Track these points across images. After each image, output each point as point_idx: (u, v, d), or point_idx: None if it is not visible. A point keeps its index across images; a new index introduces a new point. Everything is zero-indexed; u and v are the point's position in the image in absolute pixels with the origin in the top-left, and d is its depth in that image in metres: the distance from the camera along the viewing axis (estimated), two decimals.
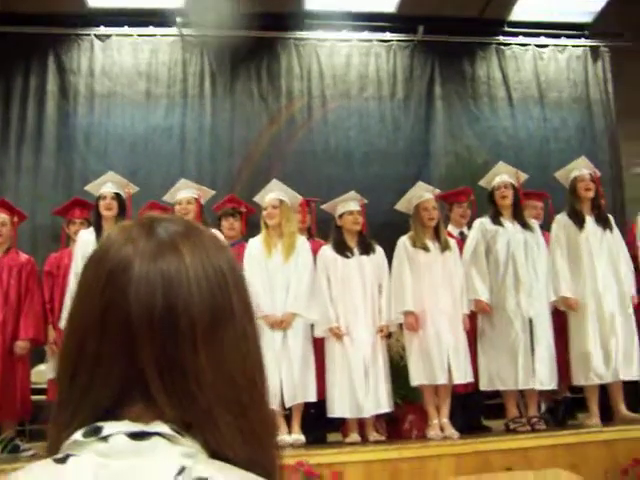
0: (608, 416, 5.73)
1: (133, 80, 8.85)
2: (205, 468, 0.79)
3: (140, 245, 0.86)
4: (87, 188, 6.04)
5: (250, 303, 0.91)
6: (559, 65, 9.79)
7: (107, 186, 5.81)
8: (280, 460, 0.91)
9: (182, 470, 0.78)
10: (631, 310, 5.79)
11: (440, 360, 5.45)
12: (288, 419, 5.51)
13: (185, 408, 0.83)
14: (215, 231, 5.73)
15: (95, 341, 0.84)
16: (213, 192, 6.22)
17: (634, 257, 6.05)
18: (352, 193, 5.85)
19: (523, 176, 6.04)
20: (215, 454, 0.83)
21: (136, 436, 0.81)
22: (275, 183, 5.89)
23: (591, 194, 5.96)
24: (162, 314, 0.83)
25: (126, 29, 8.91)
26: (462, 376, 5.50)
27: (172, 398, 0.83)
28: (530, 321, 5.62)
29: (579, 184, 5.98)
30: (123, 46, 8.89)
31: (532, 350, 5.58)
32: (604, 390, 5.80)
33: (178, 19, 8.86)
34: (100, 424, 0.82)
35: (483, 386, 5.69)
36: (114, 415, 0.83)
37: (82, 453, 0.81)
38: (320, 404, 5.56)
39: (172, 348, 0.83)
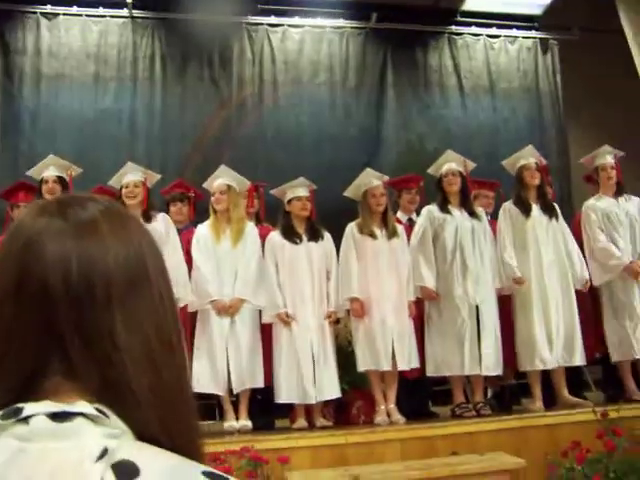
0: (551, 401, 5.84)
1: (82, 62, 8.66)
2: (129, 450, 0.77)
3: (56, 220, 0.86)
4: (29, 173, 5.92)
5: (167, 274, 0.91)
6: (510, 56, 9.91)
7: (49, 170, 5.71)
8: (199, 436, 0.90)
9: (105, 452, 0.76)
10: (573, 295, 5.88)
11: (384, 346, 5.48)
12: (236, 405, 5.50)
13: (102, 372, 0.81)
14: (164, 215, 5.72)
15: (11, 308, 0.82)
16: (159, 176, 6.12)
17: (580, 245, 6.14)
18: (301, 179, 5.84)
19: (471, 165, 6.09)
20: (141, 436, 0.81)
21: (57, 417, 0.78)
22: (223, 169, 5.84)
23: (537, 182, 6.03)
24: (78, 279, 0.82)
25: (75, 9, 8.72)
26: (407, 362, 5.54)
27: (89, 362, 0.81)
28: (477, 308, 5.68)
29: (525, 172, 6.05)
30: (71, 26, 8.68)
31: (478, 336, 5.64)
32: (548, 375, 5.90)
33: (129, 0, 8.71)
34: (21, 405, 0.79)
35: (430, 372, 5.74)
36: (33, 387, 0.81)
37: (1, 437, 0.78)
38: (268, 390, 5.56)
39: (88, 312, 0.82)
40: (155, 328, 0.86)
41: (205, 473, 0.77)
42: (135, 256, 0.87)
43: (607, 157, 6.26)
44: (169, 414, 0.84)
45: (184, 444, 0.84)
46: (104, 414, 0.79)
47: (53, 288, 0.82)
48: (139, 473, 0.75)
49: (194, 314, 5.58)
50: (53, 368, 0.82)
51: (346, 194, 5.94)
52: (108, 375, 0.82)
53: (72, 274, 0.82)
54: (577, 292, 5.96)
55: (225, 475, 0.79)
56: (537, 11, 9.84)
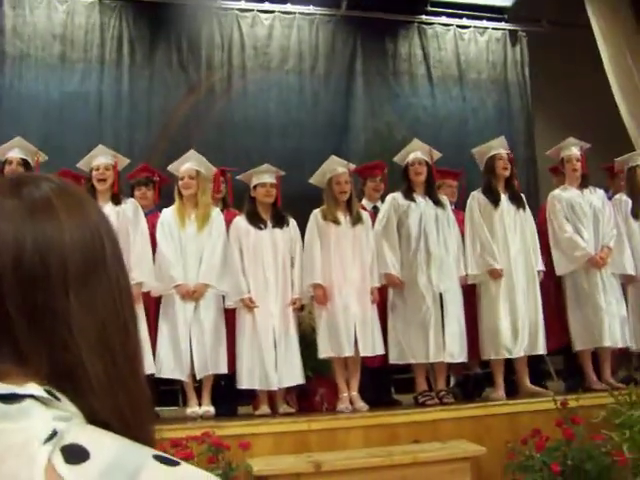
0: (513, 390, 5.90)
1: (47, 42, 8.50)
2: (79, 433, 0.76)
3: (9, 200, 0.83)
4: None
5: (122, 258, 0.90)
6: (479, 47, 9.95)
7: (14, 151, 5.62)
8: (153, 422, 0.89)
9: (53, 435, 0.74)
10: (538, 285, 5.94)
11: (347, 333, 5.48)
12: (199, 391, 5.48)
13: (55, 356, 0.80)
14: (133, 200, 5.67)
15: None
16: (128, 160, 6.06)
17: (544, 235, 6.19)
18: (266, 166, 5.81)
19: (437, 154, 6.10)
20: (93, 420, 0.79)
21: (6, 399, 0.76)
22: (192, 153, 5.80)
23: (507, 173, 6.07)
24: (32, 259, 0.80)
25: None
26: (370, 348, 5.55)
27: (40, 346, 0.79)
28: (441, 296, 5.70)
29: (497, 162, 6.08)
30: (36, 6, 8.51)
31: (442, 324, 5.67)
32: (510, 364, 5.96)
33: None
34: None
35: (393, 359, 5.75)
36: None
37: None
38: (232, 377, 5.54)
39: (42, 294, 0.80)
40: (111, 312, 0.85)
41: (155, 457, 0.76)
42: (92, 238, 0.85)
43: (572, 149, 6.31)
44: (123, 399, 0.83)
45: (137, 429, 0.83)
46: (55, 397, 0.78)
47: (2, 268, 0.79)
48: (88, 456, 0.74)
49: (158, 299, 5.54)
50: (2, 352, 0.80)
51: (311, 181, 5.93)
52: (61, 359, 0.80)
53: (26, 254, 0.80)
54: (541, 282, 6.02)
55: (176, 459, 0.77)
56: (507, 3, 9.90)
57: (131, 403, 0.84)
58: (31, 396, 0.77)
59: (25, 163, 5.60)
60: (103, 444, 0.75)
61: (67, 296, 0.81)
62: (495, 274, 5.85)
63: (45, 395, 0.77)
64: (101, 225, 0.88)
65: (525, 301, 5.85)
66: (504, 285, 5.86)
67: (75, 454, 0.73)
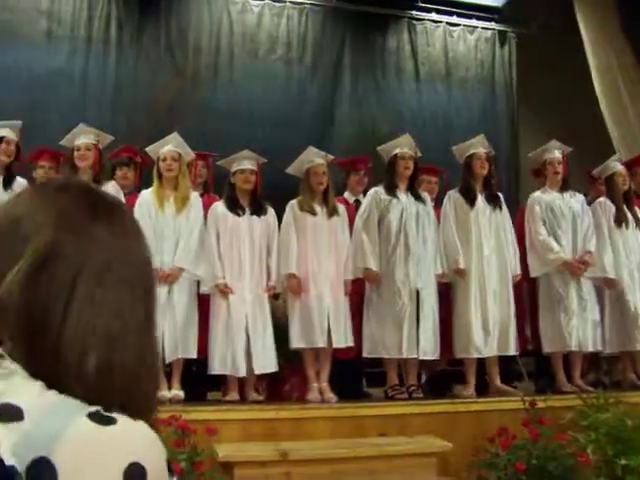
0: (483, 388, 5.93)
1: (33, 18, 8.39)
2: (15, 392, 0.76)
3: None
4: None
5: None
6: (468, 45, 9.95)
7: (5, 131, 5.61)
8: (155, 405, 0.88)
9: None
10: (511, 286, 5.97)
11: (320, 323, 5.49)
12: (169, 375, 5.45)
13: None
14: (114, 183, 5.64)
15: None
16: (112, 138, 6.04)
17: (522, 237, 6.22)
18: (246, 152, 5.79)
19: (418, 152, 6.11)
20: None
21: None
22: (175, 136, 5.77)
23: (485, 172, 6.08)
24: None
25: None
26: (342, 340, 5.56)
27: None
28: (417, 292, 5.71)
29: (475, 161, 6.09)
30: None
31: (417, 320, 5.68)
32: (482, 363, 5.98)
33: None
34: None
35: (366, 352, 5.76)
36: None
37: None
38: (203, 362, 5.52)
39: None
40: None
41: (90, 414, 0.76)
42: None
43: (555, 152, 6.34)
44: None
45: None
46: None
47: None
48: (22, 416, 0.74)
49: None
50: None
51: (288, 171, 5.93)
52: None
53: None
54: (515, 283, 6.05)
55: (114, 417, 0.77)
56: (497, 3, 9.93)
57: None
58: None
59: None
60: (38, 403, 0.75)
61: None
62: (460, 273, 5.87)
63: None
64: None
65: (497, 302, 5.87)
66: (476, 285, 5.88)
67: (9, 413, 0.74)
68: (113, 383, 0.81)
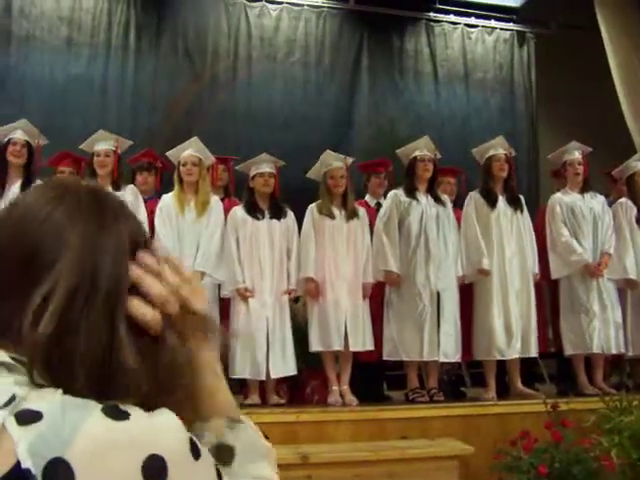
0: (504, 391, 5.90)
1: (54, 25, 8.47)
2: (35, 398, 0.76)
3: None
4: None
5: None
6: (486, 46, 9.92)
7: (18, 133, 5.63)
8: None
9: (12, 399, 0.75)
10: (532, 288, 5.93)
11: (337, 327, 5.49)
12: None
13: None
14: (132, 187, 5.68)
15: None
16: (130, 142, 6.09)
17: (542, 238, 6.19)
18: (264, 155, 5.80)
19: (438, 154, 6.09)
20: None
21: None
22: (195, 140, 5.81)
23: (504, 174, 6.05)
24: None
25: None
26: (360, 343, 5.55)
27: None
28: (438, 294, 5.70)
29: (494, 163, 6.06)
30: None
31: (438, 323, 5.66)
32: (502, 366, 5.95)
33: None
34: None
35: (386, 355, 5.75)
36: None
37: None
38: (224, 366, 5.53)
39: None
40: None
41: (104, 409, 0.76)
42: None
43: (575, 153, 6.29)
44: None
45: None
46: (21, 363, 0.79)
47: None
48: (41, 418, 0.74)
49: None
50: None
51: (309, 175, 5.94)
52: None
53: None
54: (536, 285, 6.01)
55: (128, 411, 0.77)
56: (516, 4, 9.87)
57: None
58: None
59: (29, 146, 5.61)
60: (56, 405, 0.76)
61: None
62: (484, 273, 5.84)
63: (9, 360, 0.79)
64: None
65: (518, 303, 5.84)
66: (498, 287, 5.85)
67: (28, 417, 0.74)
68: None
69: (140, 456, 0.74)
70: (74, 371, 0.79)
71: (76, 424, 0.74)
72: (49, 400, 0.76)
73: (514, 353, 5.80)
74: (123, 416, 0.76)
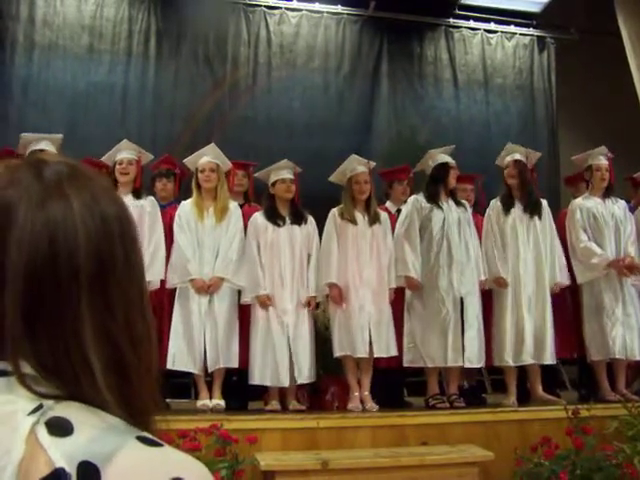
0: (526, 397, 5.86)
1: (76, 33, 8.57)
2: (64, 409, 0.77)
3: (26, 188, 0.82)
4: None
5: (135, 257, 0.88)
6: (506, 52, 9.90)
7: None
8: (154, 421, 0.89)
9: (39, 408, 0.76)
10: (548, 295, 5.88)
11: (361, 333, 5.47)
12: (210, 385, 5.49)
13: (57, 359, 0.80)
14: (152, 198, 5.72)
15: None
16: (152, 156, 6.12)
17: (564, 242, 6.15)
18: (285, 161, 5.81)
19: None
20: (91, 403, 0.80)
21: None
22: (212, 147, 5.83)
23: (513, 181, 6.02)
24: (45, 262, 0.79)
25: None
26: (384, 350, 5.54)
27: (42, 351, 0.80)
28: (461, 300, 5.68)
29: (505, 171, 6.08)
30: None
31: (462, 328, 5.64)
32: (523, 372, 5.92)
33: None
34: None
35: (408, 362, 5.72)
36: None
37: None
38: (244, 372, 5.55)
39: (52, 297, 0.79)
40: (122, 320, 0.84)
41: (139, 437, 0.77)
42: (103, 232, 0.84)
43: (601, 158, 6.24)
44: (125, 388, 0.83)
45: (138, 418, 0.83)
46: (42, 375, 0.79)
47: (12, 265, 0.79)
48: (72, 431, 0.75)
49: (172, 291, 5.56)
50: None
51: (331, 179, 5.93)
52: (66, 364, 0.80)
53: (39, 254, 0.79)
54: (559, 291, 5.97)
55: (160, 442, 0.78)
56: (535, 9, 9.83)
57: (135, 403, 0.84)
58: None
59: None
60: (89, 421, 0.77)
61: (78, 300, 0.80)
62: (500, 283, 5.82)
63: (33, 373, 0.79)
64: (114, 220, 0.86)
65: (531, 310, 5.80)
66: (513, 293, 5.83)
67: (60, 427, 0.75)
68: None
69: (166, 477, 0.75)
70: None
71: (114, 447, 0.74)
72: (82, 414, 0.77)
73: (525, 360, 5.75)
74: (157, 444, 0.77)
